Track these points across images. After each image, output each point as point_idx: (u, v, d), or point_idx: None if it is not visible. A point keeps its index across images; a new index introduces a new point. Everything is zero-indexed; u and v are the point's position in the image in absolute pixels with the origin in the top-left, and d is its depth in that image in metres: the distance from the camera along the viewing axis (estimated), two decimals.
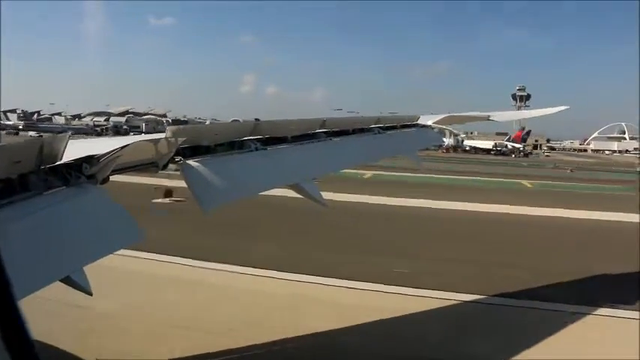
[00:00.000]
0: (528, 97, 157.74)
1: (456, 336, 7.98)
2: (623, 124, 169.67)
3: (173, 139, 3.51)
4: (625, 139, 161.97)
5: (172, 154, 3.58)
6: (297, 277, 10.50)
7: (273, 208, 18.38)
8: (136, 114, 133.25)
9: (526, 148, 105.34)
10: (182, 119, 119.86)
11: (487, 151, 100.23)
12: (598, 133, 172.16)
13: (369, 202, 22.52)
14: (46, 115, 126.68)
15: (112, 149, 2.98)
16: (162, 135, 3.59)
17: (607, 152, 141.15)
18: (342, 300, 9.39)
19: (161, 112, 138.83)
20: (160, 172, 3.70)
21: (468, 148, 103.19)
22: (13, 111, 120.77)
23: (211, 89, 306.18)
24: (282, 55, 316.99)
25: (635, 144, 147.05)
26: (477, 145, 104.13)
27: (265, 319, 8.33)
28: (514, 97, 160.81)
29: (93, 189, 2.92)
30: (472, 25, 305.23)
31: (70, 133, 2.80)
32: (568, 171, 55.76)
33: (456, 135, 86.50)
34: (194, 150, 3.90)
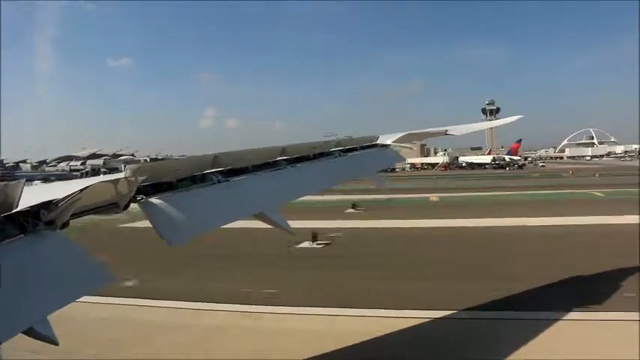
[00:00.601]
0: (498, 110, 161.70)
1: None
2: (591, 129, 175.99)
3: (133, 178, 3.49)
4: (595, 144, 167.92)
5: (133, 193, 3.55)
6: None
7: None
8: (102, 156, 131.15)
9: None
10: (158, 157, 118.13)
11: (482, 165, 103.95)
12: (567, 141, 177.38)
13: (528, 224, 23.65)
14: (11, 164, 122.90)
15: (70, 193, 2.94)
16: (121, 175, 3.56)
17: (587, 158, 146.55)
18: None
19: (129, 151, 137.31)
20: None
21: (464, 165, 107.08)
22: None
23: (173, 126, 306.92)
24: (242, 87, 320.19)
25: (607, 148, 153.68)
26: (474, 161, 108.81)
27: None
28: (484, 111, 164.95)
29: (52, 235, 2.88)
30: (441, 44, 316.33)
31: (24, 180, 2.79)
32: (595, 176, 62.06)
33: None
34: (156, 187, 3.89)
